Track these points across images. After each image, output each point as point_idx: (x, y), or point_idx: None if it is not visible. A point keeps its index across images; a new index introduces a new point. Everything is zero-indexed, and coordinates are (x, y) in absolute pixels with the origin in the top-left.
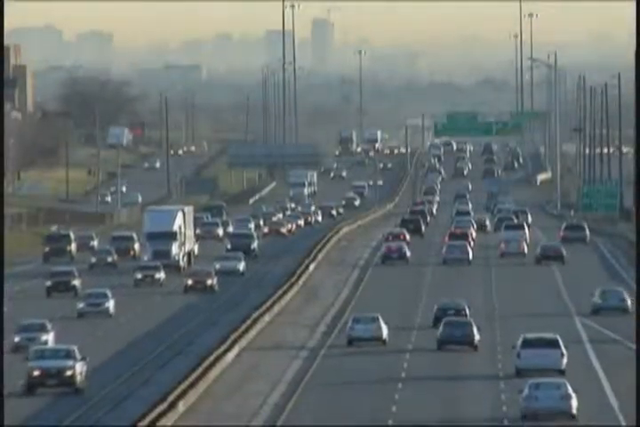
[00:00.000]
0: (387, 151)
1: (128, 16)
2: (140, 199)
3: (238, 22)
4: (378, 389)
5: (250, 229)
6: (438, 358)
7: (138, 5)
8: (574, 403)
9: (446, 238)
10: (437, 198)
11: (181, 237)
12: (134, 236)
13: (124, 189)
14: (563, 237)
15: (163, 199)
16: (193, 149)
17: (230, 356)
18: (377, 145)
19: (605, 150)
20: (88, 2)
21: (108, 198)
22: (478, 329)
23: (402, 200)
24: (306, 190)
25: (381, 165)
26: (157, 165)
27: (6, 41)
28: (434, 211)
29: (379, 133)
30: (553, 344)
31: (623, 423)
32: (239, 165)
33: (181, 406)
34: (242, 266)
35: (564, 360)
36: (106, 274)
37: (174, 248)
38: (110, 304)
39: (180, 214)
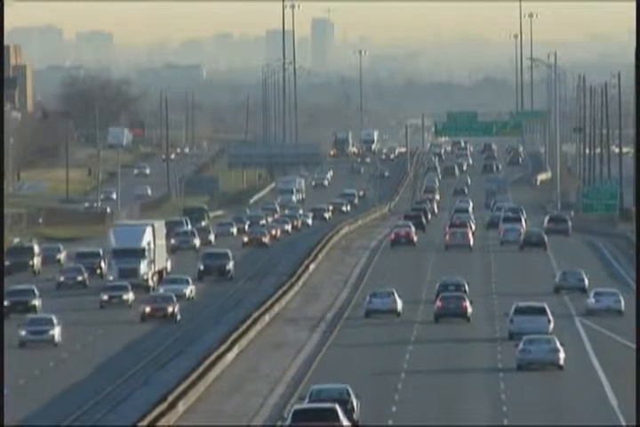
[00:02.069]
0: (383, 156)
1: (128, 16)
2: (149, 192)
3: (238, 22)
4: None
5: (232, 233)
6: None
7: (138, 5)
8: (561, 355)
9: (447, 228)
10: (437, 197)
11: (151, 254)
12: (101, 252)
13: (113, 196)
14: (546, 228)
15: (163, 199)
16: (187, 150)
17: (230, 356)
18: (374, 146)
19: (605, 150)
20: (88, 2)
21: (97, 204)
22: (471, 303)
23: (402, 200)
24: (294, 197)
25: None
26: (148, 171)
27: (6, 41)
28: (435, 209)
29: (375, 134)
30: (541, 312)
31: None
32: (239, 165)
33: (181, 406)
34: (189, 290)
35: (551, 326)
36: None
37: (143, 266)
38: (56, 332)
39: (149, 230)
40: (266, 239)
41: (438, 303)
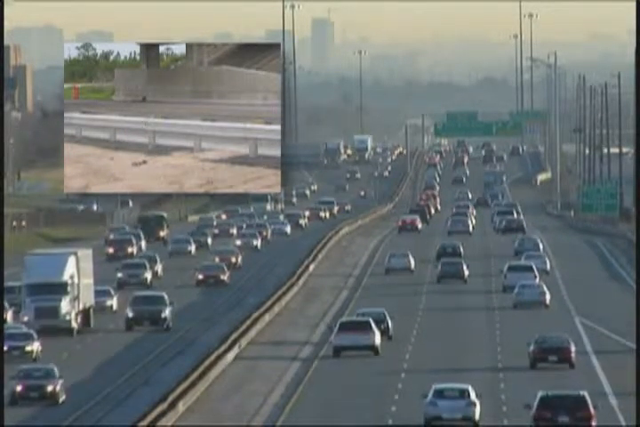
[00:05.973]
0: (376, 173)
1: (128, 16)
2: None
3: (238, 22)
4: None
5: (189, 251)
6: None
7: (138, 5)
8: (548, 297)
9: (450, 217)
10: (437, 194)
11: (74, 289)
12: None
13: (95, 207)
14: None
15: (163, 199)
16: None
17: (230, 356)
18: (367, 154)
19: (605, 150)
20: (88, 2)
21: (79, 207)
22: (467, 267)
23: (401, 201)
24: (268, 206)
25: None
26: None
27: (6, 41)
28: (438, 206)
29: (369, 141)
30: (529, 269)
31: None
32: None
33: (181, 406)
34: (34, 347)
35: (537, 279)
36: None
37: (64, 304)
38: None
39: (71, 260)
40: (224, 276)
41: (440, 268)
